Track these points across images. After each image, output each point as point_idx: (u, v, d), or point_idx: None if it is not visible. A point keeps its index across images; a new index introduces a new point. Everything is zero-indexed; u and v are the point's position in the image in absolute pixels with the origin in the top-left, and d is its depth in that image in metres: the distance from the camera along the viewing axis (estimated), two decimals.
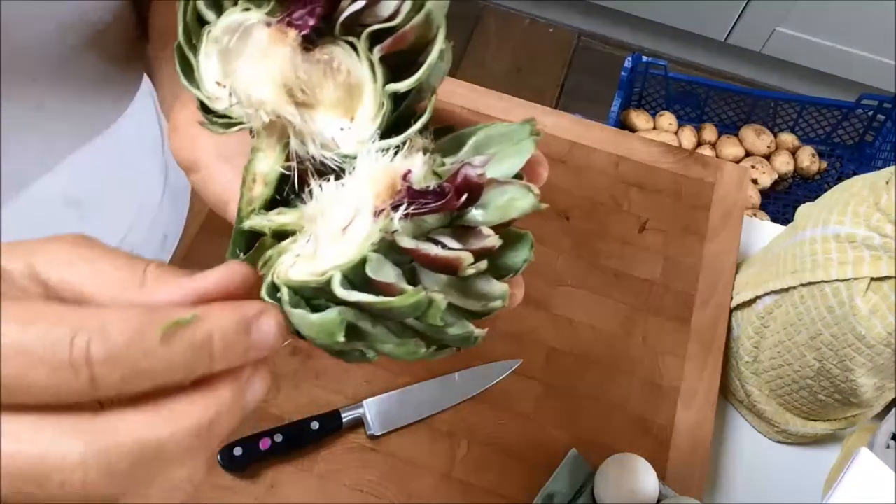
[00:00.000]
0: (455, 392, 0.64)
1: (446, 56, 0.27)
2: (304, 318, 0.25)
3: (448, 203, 0.25)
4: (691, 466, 0.63)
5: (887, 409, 0.68)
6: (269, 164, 0.28)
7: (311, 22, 0.26)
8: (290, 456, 0.61)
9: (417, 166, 0.27)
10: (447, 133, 0.29)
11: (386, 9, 0.26)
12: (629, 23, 1.93)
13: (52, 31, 0.37)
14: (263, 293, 0.26)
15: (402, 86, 0.26)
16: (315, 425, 0.61)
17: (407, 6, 0.25)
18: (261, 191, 0.28)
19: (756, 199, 1.42)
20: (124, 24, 0.42)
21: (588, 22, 1.99)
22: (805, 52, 1.79)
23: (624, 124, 1.48)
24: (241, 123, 0.28)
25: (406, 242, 0.25)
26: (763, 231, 0.80)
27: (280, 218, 0.28)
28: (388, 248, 0.26)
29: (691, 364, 0.68)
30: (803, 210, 0.66)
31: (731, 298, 0.71)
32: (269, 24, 0.26)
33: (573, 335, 0.69)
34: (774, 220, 1.32)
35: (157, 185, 0.61)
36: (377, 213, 0.26)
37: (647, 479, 0.58)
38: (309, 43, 0.26)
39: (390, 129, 0.27)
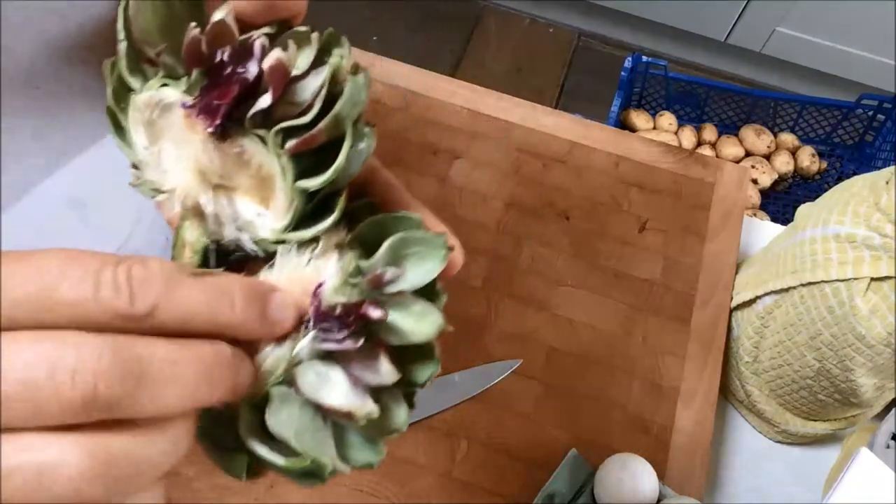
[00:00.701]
0: (455, 392, 0.64)
1: (368, 141, 0.27)
2: (208, 450, 0.26)
3: (347, 344, 0.26)
4: (691, 466, 0.63)
5: (887, 409, 0.68)
6: (195, 235, 0.28)
7: (217, 120, 0.26)
8: None
9: (331, 274, 0.27)
10: (369, 209, 0.29)
11: (300, 102, 0.26)
12: (629, 23, 1.93)
13: (48, 38, 0.37)
14: None
15: (311, 184, 0.26)
16: None
17: (318, 105, 0.26)
18: (190, 257, 0.28)
19: (756, 199, 1.42)
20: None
21: (588, 22, 1.99)
22: (805, 52, 1.79)
23: (624, 124, 1.48)
24: (165, 194, 0.28)
25: (304, 379, 0.26)
26: (763, 231, 0.80)
27: None
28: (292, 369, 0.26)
29: (691, 364, 0.68)
30: (803, 210, 0.66)
31: (731, 298, 0.71)
32: (183, 106, 0.26)
33: (573, 335, 0.69)
34: (774, 220, 1.32)
35: None
36: (287, 333, 0.26)
37: (646, 479, 0.58)
38: (222, 133, 0.26)
39: (307, 217, 0.28)
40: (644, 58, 1.41)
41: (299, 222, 0.27)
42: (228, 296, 0.22)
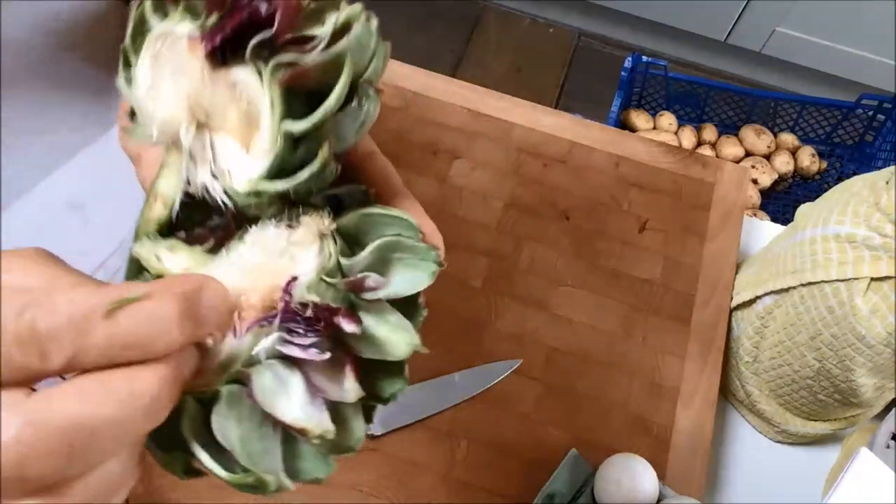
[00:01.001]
0: (455, 392, 0.64)
1: (370, 104, 0.26)
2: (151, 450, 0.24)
3: (312, 353, 0.24)
4: (691, 466, 0.63)
5: (887, 409, 0.68)
6: (171, 185, 0.26)
7: (218, 38, 0.24)
8: None
9: (307, 269, 0.25)
10: (358, 196, 0.27)
11: (310, 40, 0.24)
12: (629, 23, 1.93)
13: (38, 34, 0.37)
14: None
15: (296, 126, 0.24)
16: None
17: (323, 44, 0.24)
18: (159, 212, 0.27)
19: (756, 199, 1.42)
20: (114, 26, 0.42)
21: (588, 22, 1.99)
22: (805, 52, 1.79)
23: (624, 124, 1.48)
24: (153, 141, 0.27)
25: (259, 382, 0.24)
26: (763, 231, 0.80)
27: (168, 258, 0.26)
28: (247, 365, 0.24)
29: (691, 364, 0.68)
30: (803, 210, 0.66)
31: (731, 298, 0.71)
32: (190, 37, 0.25)
33: (573, 335, 0.69)
34: (774, 220, 1.32)
35: None
36: (247, 327, 0.24)
37: (646, 479, 0.58)
38: (221, 59, 0.25)
39: (287, 173, 0.25)
40: (644, 58, 1.41)
41: (277, 174, 0.25)
42: (160, 323, 0.20)
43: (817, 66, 1.82)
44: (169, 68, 0.25)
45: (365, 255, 0.26)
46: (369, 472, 0.61)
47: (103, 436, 0.19)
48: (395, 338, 0.25)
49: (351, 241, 0.27)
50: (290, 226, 0.26)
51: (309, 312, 0.24)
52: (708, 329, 0.70)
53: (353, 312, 0.25)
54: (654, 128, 1.48)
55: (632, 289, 0.71)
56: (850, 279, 0.57)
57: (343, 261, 0.26)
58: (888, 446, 0.58)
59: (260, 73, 0.25)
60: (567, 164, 0.78)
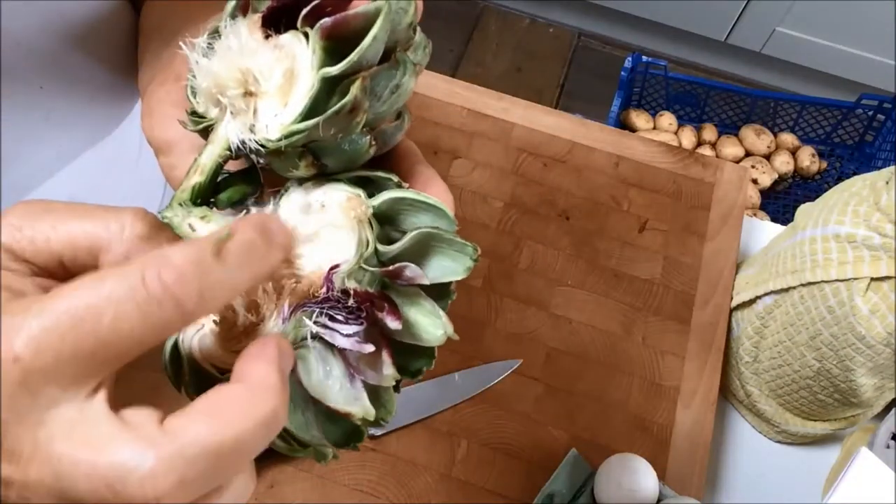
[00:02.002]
0: (455, 392, 0.64)
1: (403, 80, 0.26)
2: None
3: (353, 344, 0.25)
4: (691, 466, 0.63)
5: (887, 409, 0.68)
6: (211, 155, 0.28)
7: (271, 7, 0.26)
8: (290, 456, 0.61)
9: (347, 254, 0.26)
10: (389, 182, 0.28)
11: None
12: (629, 23, 1.93)
13: (45, 35, 0.37)
14: (166, 351, 0.27)
15: (332, 69, 0.25)
16: None
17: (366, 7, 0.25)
18: (195, 180, 0.28)
19: (756, 199, 1.42)
20: (119, 28, 0.42)
21: (588, 22, 1.99)
22: (805, 52, 1.79)
23: (624, 124, 1.48)
24: (209, 121, 0.28)
25: (304, 366, 0.25)
26: (763, 231, 0.80)
27: (201, 227, 0.27)
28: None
29: (691, 364, 0.68)
30: (803, 210, 0.66)
31: (731, 298, 0.71)
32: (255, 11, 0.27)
33: (573, 335, 0.69)
34: (774, 220, 1.32)
35: (157, 188, 0.61)
36: (291, 312, 0.25)
37: (647, 479, 0.58)
38: (274, 26, 0.26)
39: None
40: (644, 58, 1.41)
41: (309, 116, 0.26)
42: (253, 251, 0.22)
43: (817, 66, 1.82)
44: (228, 43, 0.27)
45: (402, 245, 0.26)
46: (369, 472, 0.61)
47: (232, 457, 0.20)
48: (430, 325, 0.26)
49: (383, 224, 0.27)
50: (321, 205, 0.27)
51: (351, 302, 0.25)
52: (708, 329, 0.70)
53: (395, 308, 0.26)
54: (654, 128, 1.48)
55: (632, 289, 0.71)
56: (850, 279, 0.57)
57: (381, 248, 0.26)
58: (888, 446, 0.58)
59: (305, 34, 0.26)
60: (567, 164, 0.78)
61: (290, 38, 0.26)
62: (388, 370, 0.25)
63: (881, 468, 0.53)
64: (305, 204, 0.27)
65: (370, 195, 0.27)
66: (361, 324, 0.25)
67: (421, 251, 0.27)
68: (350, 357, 0.25)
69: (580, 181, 0.77)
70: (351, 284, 0.25)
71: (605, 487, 0.58)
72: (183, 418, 0.20)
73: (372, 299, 0.25)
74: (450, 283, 0.27)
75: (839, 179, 1.47)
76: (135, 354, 0.20)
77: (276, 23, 0.26)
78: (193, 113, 0.29)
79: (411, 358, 0.28)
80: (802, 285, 0.61)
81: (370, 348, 0.25)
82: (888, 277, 0.56)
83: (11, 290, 0.21)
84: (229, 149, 0.27)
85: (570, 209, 0.75)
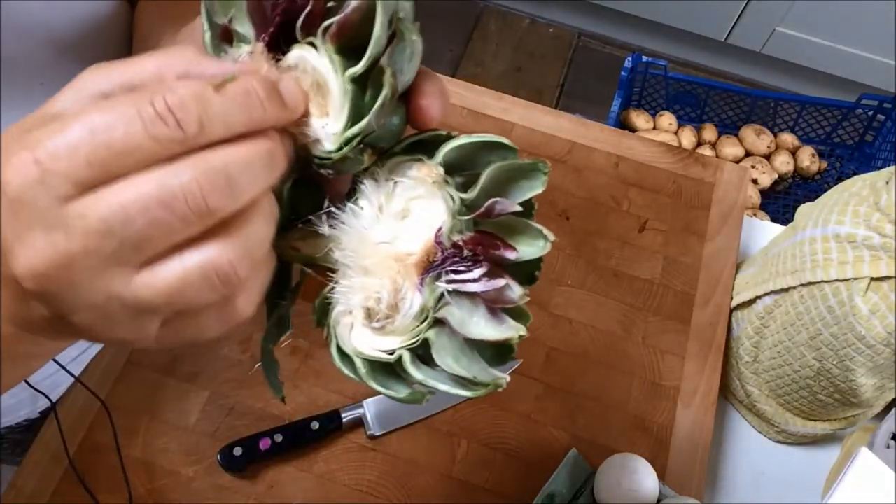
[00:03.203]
0: None
1: (413, 45, 0.28)
2: (388, 393, 0.29)
3: (484, 283, 0.28)
4: (691, 466, 0.63)
5: (887, 409, 0.68)
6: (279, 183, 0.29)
7: (270, 28, 0.27)
8: (290, 456, 0.61)
9: (442, 215, 0.29)
10: (432, 143, 0.30)
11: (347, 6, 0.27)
12: (629, 23, 1.93)
13: (51, 31, 0.37)
14: (335, 355, 0.29)
15: (357, 68, 0.26)
16: (315, 425, 0.61)
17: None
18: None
19: (756, 199, 1.42)
20: (119, 29, 0.42)
21: (588, 22, 1.99)
22: (805, 52, 1.79)
23: (624, 124, 1.48)
24: None
25: (452, 319, 0.28)
26: (763, 231, 0.80)
27: (303, 246, 0.30)
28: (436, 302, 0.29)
29: (691, 364, 0.68)
30: (803, 210, 0.66)
31: (731, 298, 0.71)
32: (250, 53, 0.28)
33: (573, 335, 0.69)
34: (774, 220, 1.32)
35: None
36: (421, 281, 0.28)
37: (647, 479, 0.58)
38: (277, 45, 0.27)
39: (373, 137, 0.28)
40: (644, 58, 1.41)
41: (356, 119, 0.27)
42: (252, 94, 0.24)
43: (817, 66, 1.82)
44: None
45: (481, 187, 0.28)
46: (369, 472, 0.61)
47: (252, 172, 0.24)
48: (531, 240, 0.29)
49: (452, 174, 0.29)
50: (395, 181, 0.29)
51: (466, 252, 0.28)
52: (708, 329, 0.70)
53: (505, 241, 0.29)
54: (654, 128, 1.48)
55: (632, 289, 0.71)
56: (849, 279, 0.57)
57: (464, 197, 0.29)
58: (888, 446, 0.58)
59: (313, 45, 0.27)
60: (567, 164, 0.78)
61: (298, 54, 0.27)
62: (518, 291, 0.29)
63: (881, 468, 0.53)
64: (383, 191, 0.29)
65: (431, 156, 0.29)
66: (482, 266, 0.28)
67: (497, 183, 0.29)
68: (485, 296, 0.28)
69: (580, 181, 0.77)
70: (456, 238, 0.28)
71: (605, 487, 0.58)
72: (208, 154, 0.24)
73: (482, 242, 0.28)
74: (531, 198, 0.30)
75: (839, 179, 1.47)
76: (141, 167, 0.23)
77: (277, 44, 0.27)
78: None
79: (526, 271, 0.30)
80: (802, 285, 0.61)
81: (500, 282, 0.28)
82: (888, 277, 0.56)
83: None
84: (295, 169, 0.29)
85: (569, 209, 0.75)
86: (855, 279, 0.57)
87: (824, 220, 0.60)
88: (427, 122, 0.29)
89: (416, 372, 0.28)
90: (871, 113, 1.42)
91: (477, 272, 0.28)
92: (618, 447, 0.63)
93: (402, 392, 0.29)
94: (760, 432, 0.71)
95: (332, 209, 0.29)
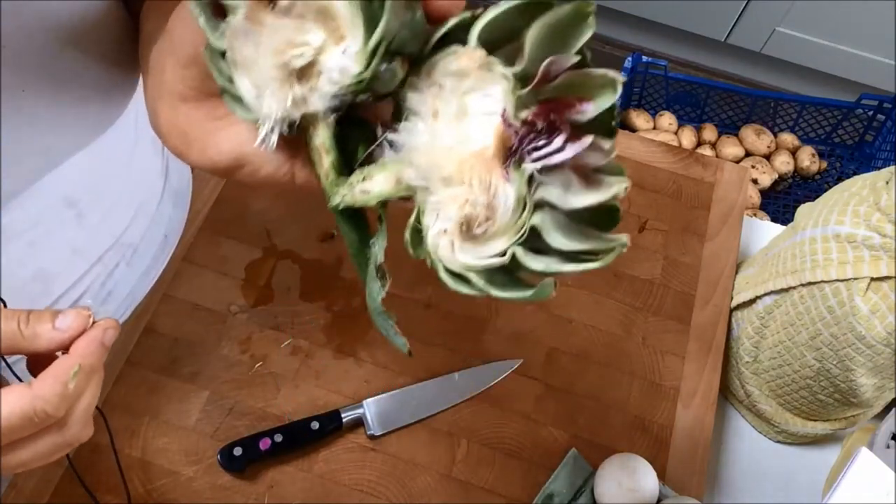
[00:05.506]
0: (455, 392, 0.64)
1: None
2: (514, 296, 0.27)
3: (570, 150, 0.26)
4: (691, 466, 0.63)
5: (887, 409, 0.68)
6: (320, 133, 0.28)
7: None
8: (290, 456, 0.61)
9: (500, 98, 0.26)
10: (461, 30, 0.28)
11: None
12: (629, 23, 1.93)
13: (33, 36, 0.37)
14: (446, 278, 0.28)
15: None
16: (315, 425, 0.61)
17: None
18: (328, 160, 0.28)
19: (756, 199, 1.42)
20: (109, 28, 0.42)
21: None
22: (805, 52, 1.79)
23: (624, 124, 1.48)
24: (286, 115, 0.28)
25: (551, 196, 0.26)
26: (763, 231, 0.80)
27: (373, 185, 0.28)
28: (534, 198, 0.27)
29: (691, 364, 0.68)
30: (803, 210, 0.66)
31: (731, 298, 0.71)
32: (246, 14, 0.26)
33: (573, 335, 0.69)
34: (774, 220, 1.32)
35: (156, 185, 0.61)
36: (507, 170, 0.26)
37: (647, 479, 0.58)
38: None
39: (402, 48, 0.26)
40: (644, 58, 1.41)
41: (373, 28, 0.26)
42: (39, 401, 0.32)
43: (817, 66, 1.82)
44: (246, 52, 0.27)
45: (528, 53, 0.26)
46: (369, 472, 0.61)
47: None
48: (599, 85, 0.27)
49: (493, 52, 0.27)
50: (438, 84, 0.27)
51: (539, 125, 0.26)
52: (708, 329, 0.70)
53: (574, 99, 0.26)
54: (654, 128, 1.47)
55: (632, 289, 0.71)
56: (850, 279, 0.57)
57: (515, 70, 0.27)
58: (888, 446, 0.58)
59: None
60: None
61: None
62: (606, 143, 0.27)
63: (881, 468, 0.53)
64: (431, 97, 0.27)
65: (464, 43, 0.27)
66: (561, 133, 0.26)
67: (543, 44, 0.27)
68: (574, 163, 0.26)
69: None
70: (524, 115, 0.26)
71: (605, 487, 0.58)
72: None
73: (552, 109, 0.26)
74: (582, 46, 0.27)
75: (839, 179, 1.47)
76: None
77: None
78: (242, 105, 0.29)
79: (603, 124, 0.28)
80: (802, 285, 0.61)
81: (587, 140, 0.26)
82: (888, 277, 0.56)
83: None
84: (333, 109, 0.27)
85: None
86: (855, 279, 0.57)
87: (824, 220, 0.60)
88: (447, 9, 0.27)
89: (534, 263, 0.27)
90: (871, 113, 1.42)
91: (559, 140, 0.26)
92: (618, 447, 0.63)
93: (528, 291, 0.27)
94: (760, 432, 0.71)
95: (388, 136, 0.28)
